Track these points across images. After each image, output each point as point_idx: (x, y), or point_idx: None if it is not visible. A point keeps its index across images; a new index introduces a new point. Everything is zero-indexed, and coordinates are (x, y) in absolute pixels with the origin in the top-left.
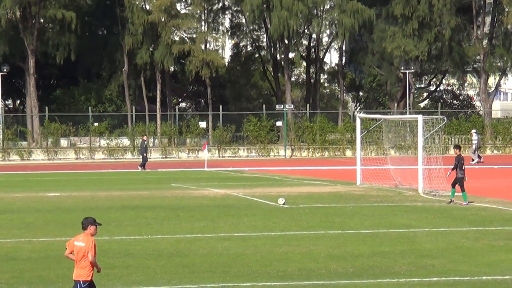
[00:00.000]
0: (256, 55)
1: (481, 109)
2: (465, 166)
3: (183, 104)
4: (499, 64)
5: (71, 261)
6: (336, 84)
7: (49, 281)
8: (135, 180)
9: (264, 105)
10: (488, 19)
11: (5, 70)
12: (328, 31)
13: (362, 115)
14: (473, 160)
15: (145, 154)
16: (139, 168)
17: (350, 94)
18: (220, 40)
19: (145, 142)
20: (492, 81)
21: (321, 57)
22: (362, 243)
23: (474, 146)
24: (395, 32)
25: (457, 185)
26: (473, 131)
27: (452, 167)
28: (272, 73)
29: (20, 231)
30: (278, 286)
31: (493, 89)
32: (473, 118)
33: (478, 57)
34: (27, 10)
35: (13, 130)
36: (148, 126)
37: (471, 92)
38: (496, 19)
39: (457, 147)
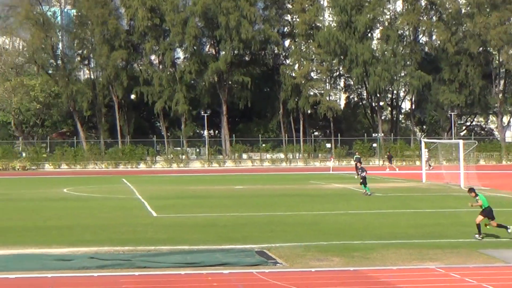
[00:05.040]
0: (360, 103)
1: (498, 137)
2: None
3: (316, 133)
4: (510, 109)
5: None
6: (409, 121)
7: (236, 239)
8: (286, 178)
9: (365, 134)
10: (502, 81)
11: (208, 112)
12: (403, 89)
13: (425, 140)
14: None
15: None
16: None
17: (417, 127)
18: (337, 94)
19: (359, 157)
20: (505, 119)
21: (400, 104)
22: (427, 217)
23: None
24: (444, 89)
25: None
26: (426, 150)
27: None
28: (370, 114)
29: (219, 209)
30: (375, 243)
31: (506, 124)
32: (494, 142)
33: (496, 104)
34: (221, 76)
35: (214, 148)
36: (295, 146)
37: (492, 126)
38: (507, 81)
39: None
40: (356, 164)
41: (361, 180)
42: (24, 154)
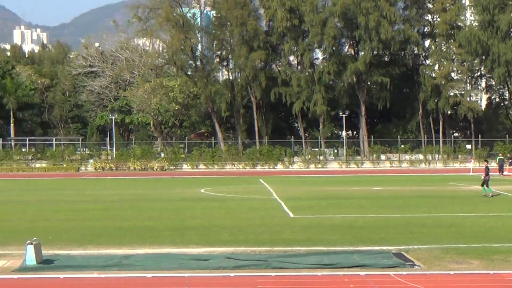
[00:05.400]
0: (502, 104)
1: None
2: None
3: (455, 134)
4: None
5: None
6: None
7: (374, 241)
8: (425, 180)
9: (507, 135)
10: None
11: (346, 113)
12: None
13: None
14: None
15: (504, 166)
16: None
17: None
18: (478, 94)
19: (503, 158)
20: None
21: None
22: None
23: None
24: None
25: None
26: None
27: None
28: None
29: (357, 210)
30: None
31: None
32: None
33: None
34: (360, 76)
35: (352, 149)
36: (434, 147)
37: None
38: None
39: (486, 161)
40: (500, 164)
41: (485, 183)
42: (162, 155)
